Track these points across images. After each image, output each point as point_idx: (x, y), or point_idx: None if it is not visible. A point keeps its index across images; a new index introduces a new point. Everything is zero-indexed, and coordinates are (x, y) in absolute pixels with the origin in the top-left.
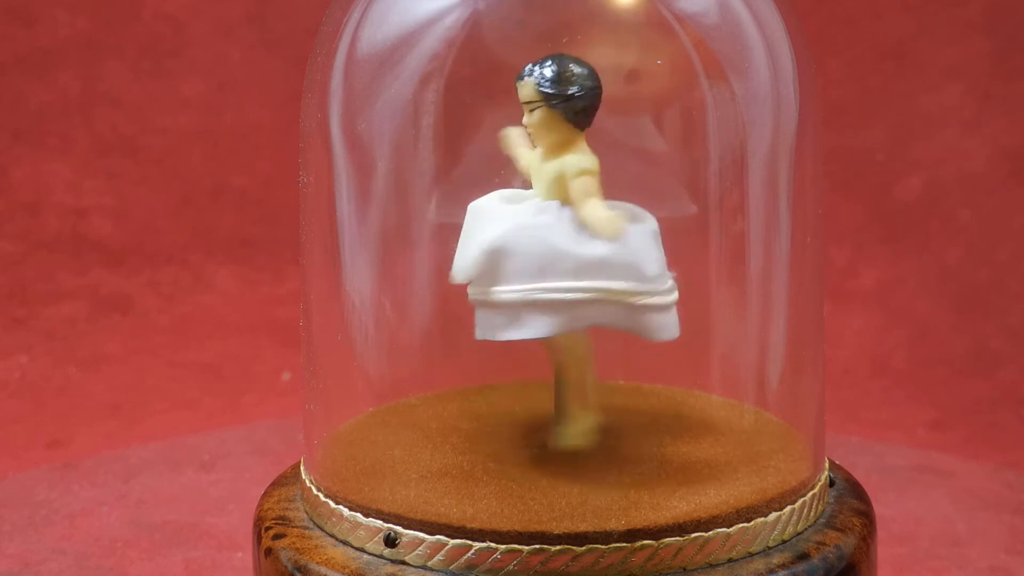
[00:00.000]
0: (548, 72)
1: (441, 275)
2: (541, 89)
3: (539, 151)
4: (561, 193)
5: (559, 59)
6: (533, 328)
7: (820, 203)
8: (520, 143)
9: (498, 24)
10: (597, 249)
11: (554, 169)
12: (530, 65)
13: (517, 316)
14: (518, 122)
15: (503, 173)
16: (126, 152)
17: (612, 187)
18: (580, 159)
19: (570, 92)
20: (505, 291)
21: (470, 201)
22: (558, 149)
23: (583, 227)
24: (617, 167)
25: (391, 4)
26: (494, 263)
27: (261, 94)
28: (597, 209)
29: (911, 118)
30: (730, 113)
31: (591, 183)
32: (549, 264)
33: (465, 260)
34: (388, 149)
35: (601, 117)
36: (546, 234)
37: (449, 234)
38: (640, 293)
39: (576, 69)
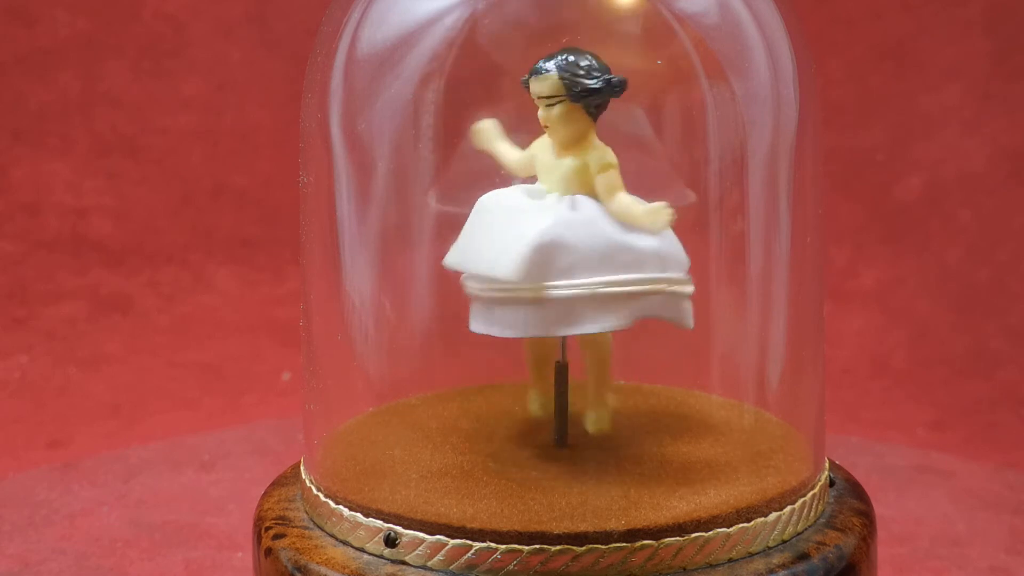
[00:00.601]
0: (572, 66)
1: (441, 275)
2: (567, 82)
3: (546, 145)
4: (584, 187)
5: (575, 52)
6: (597, 323)
7: (820, 203)
8: (498, 137)
9: (498, 24)
10: (650, 241)
11: (573, 164)
12: (546, 60)
13: (572, 311)
14: (518, 121)
15: (503, 172)
16: (126, 152)
17: None
18: (604, 153)
19: (594, 85)
20: (563, 286)
21: (470, 201)
22: (574, 143)
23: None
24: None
25: (391, 4)
26: (546, 258)
27: (261, 94)
28: (632, 203)
29: (911, 118)
30: (730, 113)
31: (616, 177)
32: (608, 257)
33: (509, 257)
34: (388, 149)
35: (601, 117)
36: (600, 227)
37: (449, 234)
38: (686, 281)
39: (594, 62)
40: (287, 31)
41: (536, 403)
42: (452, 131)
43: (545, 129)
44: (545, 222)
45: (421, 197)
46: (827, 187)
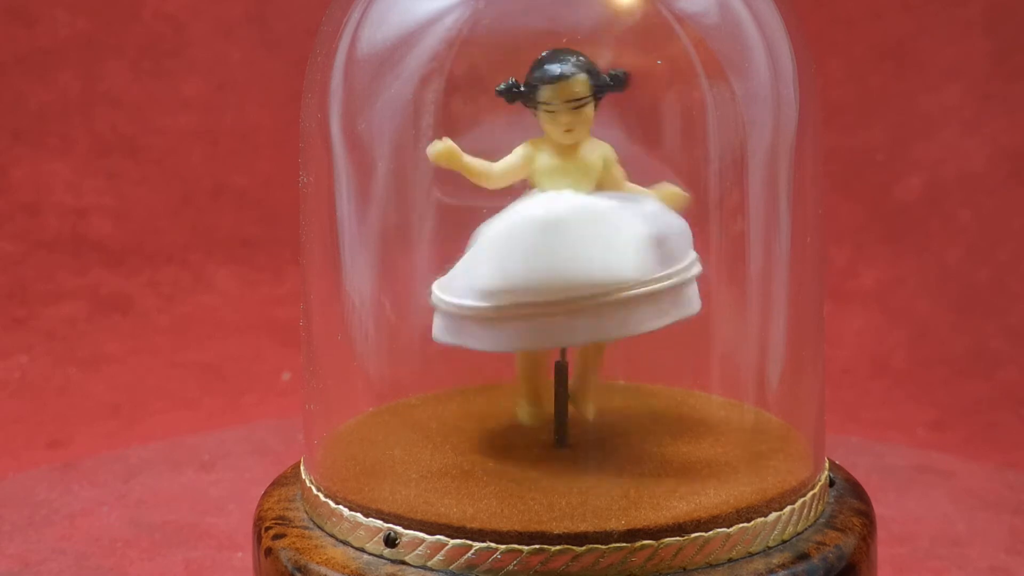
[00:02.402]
0: (588, 64)
1: (441, 274)
2: (593, 80)
3: (545, 148)
4: (604, 182)
5: (570, 51)
6: (697, 302)
7: (820, 203)
8: (462, 153)
9: (498, 24)
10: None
11: (599, 159)
12: (561, 64)
13: (679, 296)
14: (518, 121)
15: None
16: (126, 152)
17: None
18: (604, 144)
19: (615, 76)
20: (674, 272)
21: (469, 201)
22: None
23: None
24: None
25: (391, 4)
26: (656, 252)
27: (261, 94)
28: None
29: (911, 118)
30: (730, 113)
31: None
32: (687, 239)
33: (630, 257)
34: (388, 149)
35: (601, 117)
36: (673, 215)
37: (449, 234)
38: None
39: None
40: (287, 31)
41: (527, 412)
42: (452, 131)
43: (567, 133)
44: (638, 218)
45: (421, 197)
46: (827, 187)
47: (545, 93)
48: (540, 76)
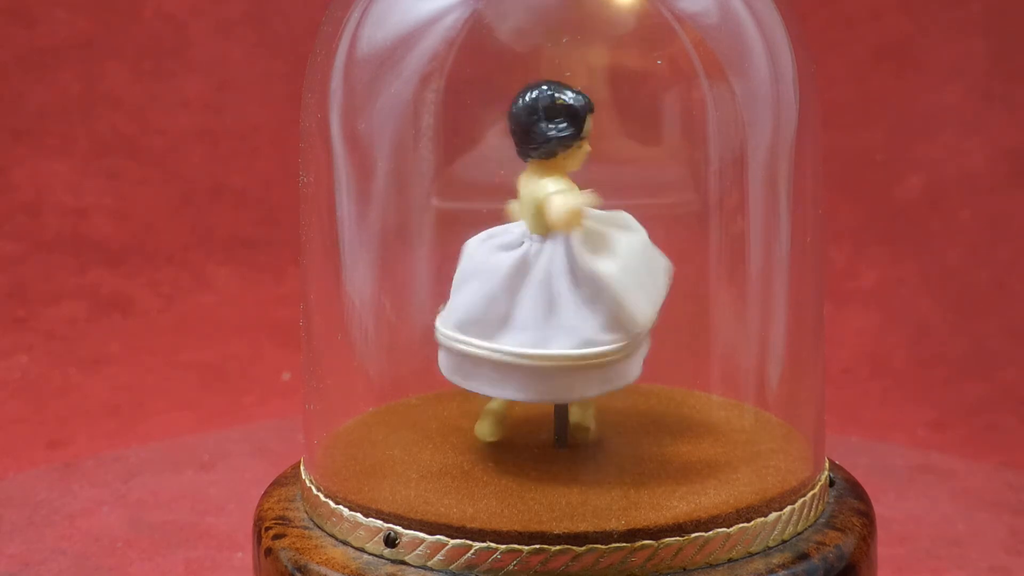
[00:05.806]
0: None
1: (441, 275)
2: None
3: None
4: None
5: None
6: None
7: (820, 203)
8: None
9: (498, 24)
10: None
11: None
12: (580, 95)
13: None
14: None
15: (502, 173)
16: (126, 152)
17: (612, 188)
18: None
19: None
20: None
21: (470, 202)
22: None
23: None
24: (617, 167)
25: (391, 4)
26: None
27: (261, 94)
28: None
29: (911, 118)
30: (730, 113)
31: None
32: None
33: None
34: (388, 149)
35: (601, 117)
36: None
37: (449, 234)
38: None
39: None
40: (287, 31)
41: (487, 427)
42: (452, 131)
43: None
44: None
45: (421, 197)
46: (827, 187)
47: (588, 123)
48: (586, 107)
